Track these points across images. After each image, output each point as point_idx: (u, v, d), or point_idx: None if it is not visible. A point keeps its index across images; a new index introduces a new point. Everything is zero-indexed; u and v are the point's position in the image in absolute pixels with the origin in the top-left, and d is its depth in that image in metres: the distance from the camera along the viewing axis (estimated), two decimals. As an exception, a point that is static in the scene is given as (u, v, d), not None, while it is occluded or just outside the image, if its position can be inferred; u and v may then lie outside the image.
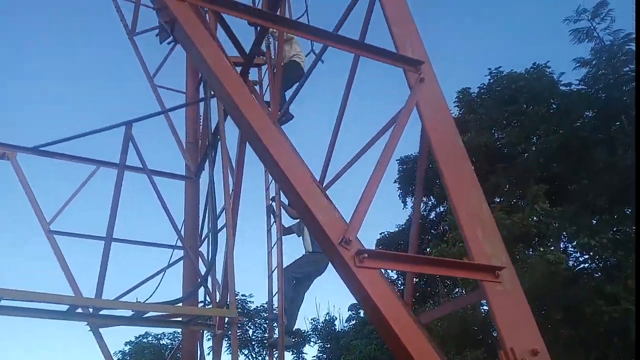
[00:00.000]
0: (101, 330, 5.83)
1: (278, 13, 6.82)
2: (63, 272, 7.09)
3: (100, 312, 5.63)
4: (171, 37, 2.76)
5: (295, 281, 6.93)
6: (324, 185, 5.12)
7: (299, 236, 7.60)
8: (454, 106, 25.52)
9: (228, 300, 5.67)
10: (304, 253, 7.33)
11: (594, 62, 12.78)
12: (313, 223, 2.61)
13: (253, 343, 26.06)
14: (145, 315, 5.28)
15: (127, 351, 30.45)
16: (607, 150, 11.83)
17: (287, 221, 7.65)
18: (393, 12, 3.82)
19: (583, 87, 12.85)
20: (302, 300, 7.12)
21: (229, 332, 6.18)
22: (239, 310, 23.09)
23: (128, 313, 5.61)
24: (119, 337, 31.44)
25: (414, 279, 3.93)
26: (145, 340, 30.67)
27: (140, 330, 31.19)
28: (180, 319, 5.93)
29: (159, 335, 30.27)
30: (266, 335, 25.23)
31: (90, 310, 5.72)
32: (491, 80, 25.07)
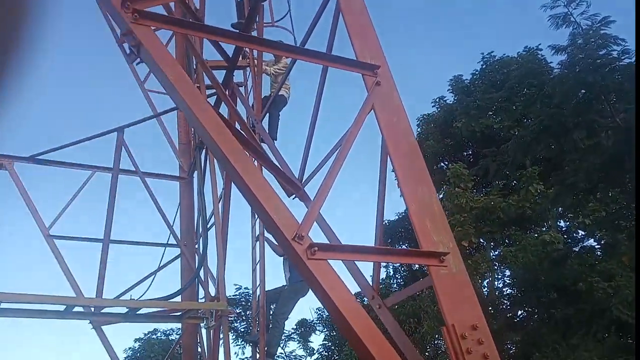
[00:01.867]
0: (110, 328, 6.14)
1: (257, 20, 7.12)
2: (64, 274, 7.45)
3: (102, 311, 5.96)
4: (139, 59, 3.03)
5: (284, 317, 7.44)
6: (303, 180, 5.43)
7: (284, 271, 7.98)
8: (448, 92, 25.76)
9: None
10: (284, 285, 7.75)
11: (570, 49, 12.98)
12: (269, 222, 2.89)
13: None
14: (139, 312, 5.57)
15: (136, 347, 31.01)
16: (586, 133, 12.07)
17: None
18: (353, 22, 4.08)
19: (564, 71, 13.07)
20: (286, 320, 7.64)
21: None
22: (243, 303, 23.44)
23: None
24: (128, 335, 31.98)
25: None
26: (154, 336, 31.19)
27: (149, 327, 31.72)
28: (176, 313, 6.26)
29: (168, 332, 30.75)
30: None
31: (92, 309, 6.04)
32: (483, 66, 25.25)
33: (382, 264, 4.63)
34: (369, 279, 4.25)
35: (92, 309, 6.03)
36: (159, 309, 6.06)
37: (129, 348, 30.97)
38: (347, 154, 3.31)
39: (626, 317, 12.57)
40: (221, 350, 6.00)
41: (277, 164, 5.40)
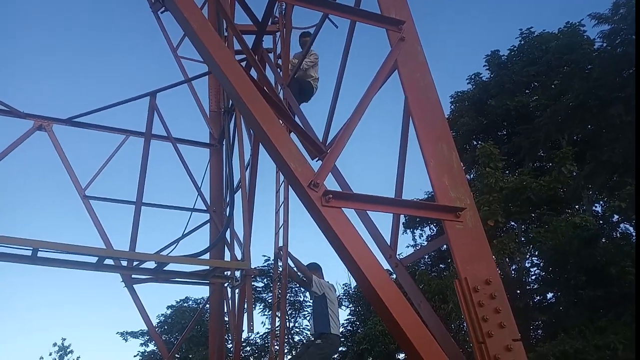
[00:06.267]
0: (143, 293, 6.37)
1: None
2: (98, 233, 7.78)
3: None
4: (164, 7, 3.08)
5: None
6: (327, 143, 5.46)
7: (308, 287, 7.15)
8: (484, 69, 25.06)
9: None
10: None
11: (614, 18, 12.28)
12: (285, 169, 2.95)
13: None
14: (166, 268, 5.77)
15: (168, 314, 32.19)
16: (623, 108, 11.51)
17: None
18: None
19: (604, 44, 12.42)
20: None
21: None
22: (271, 274, 23.87)
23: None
24: (161, 302, 33.12)
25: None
26: (186, 304, 32.29)
27: (181, 294, 32.78)
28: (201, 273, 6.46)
29: (199, 300, 31.73)
30: (298, 297, 26.03)
31: (124, 264, 6.31)
32: (522, 42, 24.40)
33: (400, 229, 4.63)
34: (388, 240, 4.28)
35: (124, 263, 6.31)
36: (187, 269, 6.28)
37: (162, 314, 32.16)
38: (367, 106, 3.32)
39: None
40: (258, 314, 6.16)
41: (301, 126, 5.43)
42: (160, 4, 2.97)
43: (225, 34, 7.94)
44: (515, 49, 24.12)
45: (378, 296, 2.78)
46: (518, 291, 18.23)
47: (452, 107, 25.53)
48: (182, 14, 3.03)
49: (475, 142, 24.19)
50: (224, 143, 8.66)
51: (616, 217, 17.72)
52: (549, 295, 19.01)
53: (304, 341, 24.31)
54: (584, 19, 21.78)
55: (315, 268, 7.16)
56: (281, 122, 4.66)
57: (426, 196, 24.55)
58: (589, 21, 15.83)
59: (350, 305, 29.06)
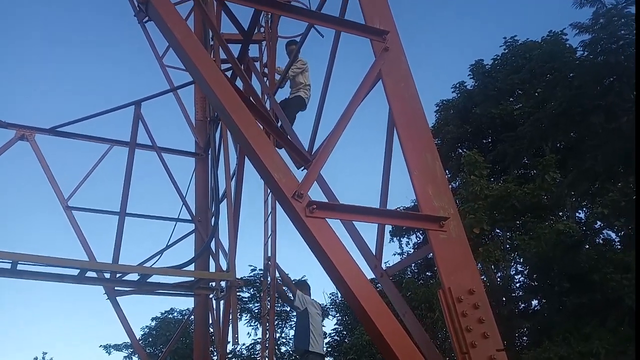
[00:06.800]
0: (127, 306, 6.28)
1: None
2: (80, 245, 7.65)
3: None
4: (147, 17, 3.08)
5: None
6: (313, 152, 5.47)
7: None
8: (469, 78, 25.36)
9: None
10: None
11: (594, 28, 12.52)
12: (269, 180, 2.94)
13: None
14: (150, 279, 5.70)
15: (153, 326, 31.70)
16: (604, 116, 11.72)
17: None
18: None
19: (585, 52, 12.66)
20: None
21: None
22: (257, 284, 23.72)
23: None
24: (145, 313, 32.67)
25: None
26: (170, 316, 31.86)
27: (166, 306, 32.34)
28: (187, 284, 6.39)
29: (184, 312, 31.34)
30: (285, 307, 25.84)
31: (107, 276, 6.20)
32: (506, 51, 24.74)
33: (386, 237, 4.63)
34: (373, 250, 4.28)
35: (107, 275, 6.21)
36: (171, 281, 6.21)
37: (146, 326, 31.67)
38: (351, 115, 3.34)
39: (640, 308, 12.39)
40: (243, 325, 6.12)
41: (287, 135, 5.43)
42: (144, 14, 2.97)
43: (211, 42, 7.97)
44: (499, 58, 24.49)
45: (362, 307, 2.78)
46: (503, 298, 18.34)
47: (437, 115, 25.78)
48: (165, 24, 3.02)
49: (460, 150, 24.42)
50: (210, 152, 8.62)
51: (599, 223, 17.99)
52: (534, 302, 19.18)
53: (290, 352, 24.12)
54: (566, 28, 22.32)
55: (302, 285, 7.25)
56: (266, 132, 4.66)
57: (412, 204, 24.70)
58: (570, 30, 16.20)
59: (337, 315, 28.95)
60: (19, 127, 7.72)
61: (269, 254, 6.60)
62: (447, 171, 26.36)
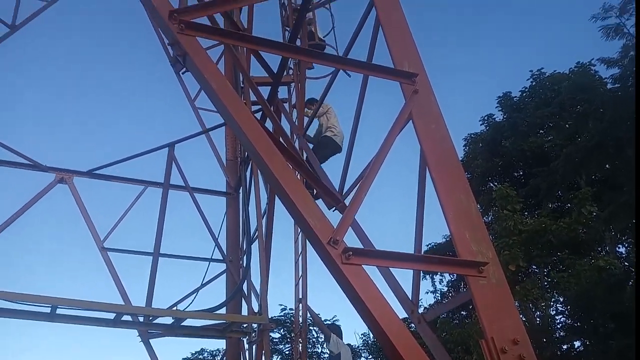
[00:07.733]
0: (158, 347, 6.28)
1: (299, 37, 7.32)
2: (115, 286, 7.72)
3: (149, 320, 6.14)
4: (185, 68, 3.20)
5: None
6: (344, 192, 5.46)
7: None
8: (497, 110, 25.16)
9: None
10: None
11: (624, 62, 12.34)
12: (304, 226, 2.93)
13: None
14: (184, 324, 5.69)
15: (184, 366, 31.46)
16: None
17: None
18: (392, 31, 4.15)
19: (616, 85, 12.41)
20: None
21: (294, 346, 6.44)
22: (288, 324, 23.41)
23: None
24: (176, 355, 32.46)
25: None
26: (201, 357, 31.59)
27: (197, 346, 32.12)
28: (219, 327, 6.35)
29: (215, 352, 31.05)
30: (315, 349, 25.34)
31: (141, 319, 6.23)
32: (533, 83, 24.59)
33: (421, 277, 4.55)
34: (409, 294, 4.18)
35: (141, 319, 6.23)
36: (204, 323, 6.19)
37: (177, 366, 31.43)
38: (383, 159, 3.33)
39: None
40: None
41: (317, 175, 5.45)
42: (182, 65, 3.08)
43: (242, 85, 8.18)
44: (526, 90, 24.29)
45: (400, 357, 2.69)
46: (544, 339, 17.53)
47: (466, 149, 25.52)
48: (202, 75, 3.12)
49: (490, 184, 24.01)
50: (241, 191, 8.72)
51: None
52: (577, 343, 18.24)
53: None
54: (593, 59, 22.06)
55: (334, 329, 7.35)
56: (296, 173, 4.70)
57: (444, 239, 24.26)
58: (598, 64, 15.97)
59: (370, 357, 28.23)
60: (58, 171, 7.99)
61: (300, 296, 6.54)
62: (478, 205, 25.86)
